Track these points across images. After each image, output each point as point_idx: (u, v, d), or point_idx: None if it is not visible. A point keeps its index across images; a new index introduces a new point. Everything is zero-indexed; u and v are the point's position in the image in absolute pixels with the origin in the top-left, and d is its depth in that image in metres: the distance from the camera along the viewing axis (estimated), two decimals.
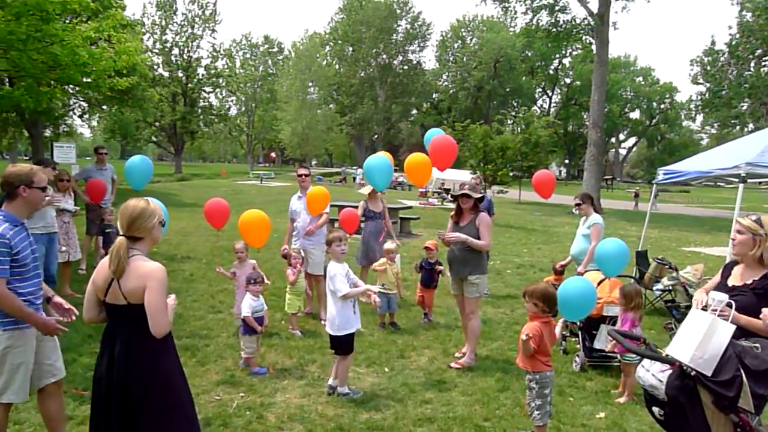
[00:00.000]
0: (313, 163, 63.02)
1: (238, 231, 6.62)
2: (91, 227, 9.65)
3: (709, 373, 2.90)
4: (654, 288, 8.32)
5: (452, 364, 5.93)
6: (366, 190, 8.64)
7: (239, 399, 4.90)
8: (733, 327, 3.00)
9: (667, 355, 3.13)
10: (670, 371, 3.09)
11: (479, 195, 6.10)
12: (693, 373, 2.95)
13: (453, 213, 6.24)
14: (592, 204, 7.28)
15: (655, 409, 3.21)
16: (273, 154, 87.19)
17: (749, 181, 7.30)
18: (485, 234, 5.91)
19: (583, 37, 35.73)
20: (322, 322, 6.83)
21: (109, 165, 9.89)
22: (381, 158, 7.28)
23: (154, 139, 63.43)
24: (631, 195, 40.28)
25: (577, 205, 7.28)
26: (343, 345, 5.06)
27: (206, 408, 4.70)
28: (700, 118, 58.89)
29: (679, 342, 3.09)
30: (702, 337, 2.93)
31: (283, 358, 5.93)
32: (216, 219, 6.69)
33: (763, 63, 36.17)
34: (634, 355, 5.14)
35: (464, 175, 32.04)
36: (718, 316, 3.06)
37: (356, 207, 8.45)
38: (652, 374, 3.18)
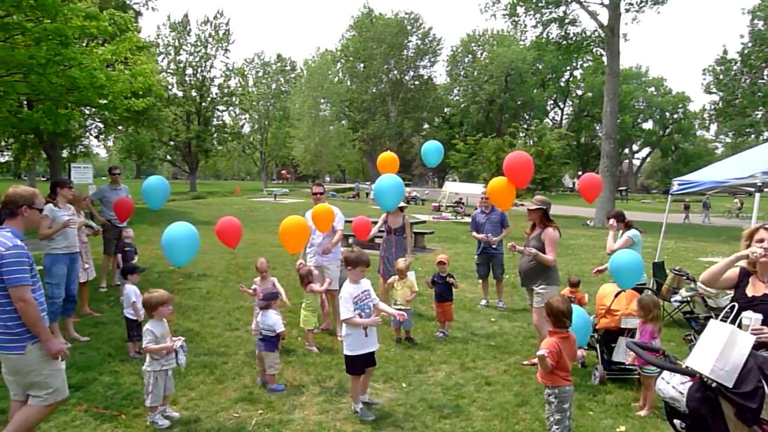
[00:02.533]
0: (327, 179, 63.30)
1: (279, 236, 6.59)
2: (108, 246, 9.76)
3: (730, 385, 2.88)
4: (672, 299, 8.25)
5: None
6: None
7: (258, 416, 4.92)
8: (754, 338, 2.98)
9: (687, 367, 3.11)
10: (691, 383, 3.07)
11: (538, 207, 6.28)
12: (714, 384, 2.92)
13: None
14: (623, 221, 7.78)
15: (677, 422, 3.19)
16: (284, 172, 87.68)
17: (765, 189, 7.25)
18: (549, 248, 6.12)
19: (594, 49, 35.79)
20: (339, 338, 6.84)
21: (123, 185, 10.01)
22: (390, 179, 7.21)
23: (168, 158, 64.03)
24: (648, 203, 39.82)
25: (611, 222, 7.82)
26: (349, 365, 5.04)
27: (225, 426, 4.73)
28: (714, 127, 58.58)
29: (699, 353, 3.07)
30: (722, 348, 2.91)
31: (300, 375, 5.94)
32: (228, 238, 6.68)
33: None
34: (653, 368, 5.10)
35: (477, 189, 32.02)
36: (754, 334, 3.05)
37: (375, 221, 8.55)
38: (673, 386, 3.16)
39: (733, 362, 2.90)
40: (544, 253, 6.16)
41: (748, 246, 3.49)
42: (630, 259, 5.80)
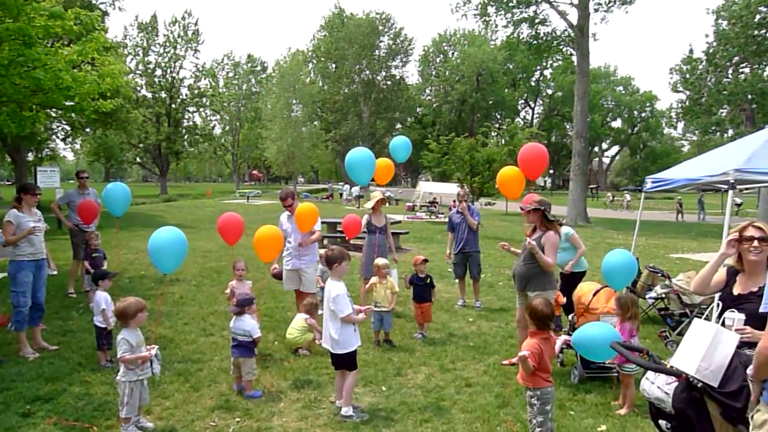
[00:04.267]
0: (300, 180, 62.86)
1: (253, 245, 6.51)
2: (77, 251, 9.52)
3: (715, 384, 2.86)
4: (647, 296, 8.32)
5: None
6: (370, 204, 8.65)
7: (235, 424, 4.79)
8: (738, 336, 2.98)
9: (671, 367, 3.09)
10: (676, 383, 3.05)
11: (536, 207, 5.99)
12: (700, 384, 2.91)
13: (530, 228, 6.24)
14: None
15: (662, 422, 3.17)
16: (256, 172, 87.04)
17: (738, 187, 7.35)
18: (549, 253, 5.88)
19: (564, 49, 36.18)
20: (318, 342, 6.75)
21: (91, 189, 9.77)
22: (362, 151, 7.13)
23: (138, 160, 63.07)
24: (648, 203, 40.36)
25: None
26: (347, 362, 4.99)
27: None
28: (681, 125, 59.54)
29: (683, 353, 3.05)
30: (707, 348, 2.90)
31: (278, 380, 5.82)
32: (230, 235, 6.51)
33: (740, 70, 36.72)
34: (632, 366, 5.12)
35: (451, 188, 32.13)
36: (737, 333, 3.04)
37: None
38: (658, 387, 3.14)
39: (718, 361, 2.89)
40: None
41: (736, 243, 3.45)
42: (622, 260, 5.77)
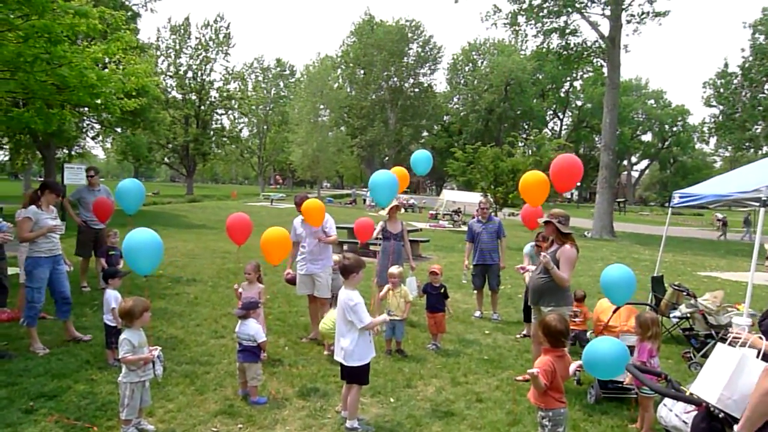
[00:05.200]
0: (326, 185, 62.92)
1: (260, 247, 6.47)
2: (84, 249, 9.61)
3: (738, 416, 2.66)
4: (671, 315, 8.02)
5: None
6: (385, 211, 8.53)
7: (237, 431, 4.68)
8: (765, 364, 2.76)
9: (691, 395, 2.89)
10: (696, 412, 2.85)
11: (549, 220, 5.87)
12: (721, 415, 2.71)
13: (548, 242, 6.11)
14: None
15: None
16: (278, 177, 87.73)
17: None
18: (564, 267, 5.68)
19: (594, 60, 35.71)
20: (327, 352, 6.63)
21: (102, 186, 9.77)
22: (386, 174, 7.23)
23: (166, 160, 63.86)
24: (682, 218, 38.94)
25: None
26: (360, 376, 4.81)
27: None
28: (713, 140, 58.50)
29: (704, 380, 2.85)
30: (731, 376, 2.69)
31: (284, 387, 5.70)
32: (237, 235, 6.46)
33: None
34: None
35: (475, 197, 31.84)
36: (739, 344, 2.83)
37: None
38: (675, 414, 2.95)
39: (742, 390, 2.68)
40: None
41: None
42: (621, 274, 5.50)
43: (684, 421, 2.89)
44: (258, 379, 5.35)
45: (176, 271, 11.67)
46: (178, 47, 58.52)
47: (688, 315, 7.69)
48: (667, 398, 3.05)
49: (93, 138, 37.36)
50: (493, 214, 9.91)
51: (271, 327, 7.51)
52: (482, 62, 77.73)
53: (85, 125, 31.96)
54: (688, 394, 2.93)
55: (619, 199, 60.73)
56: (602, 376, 4.58)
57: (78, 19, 9.03)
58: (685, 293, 8.09)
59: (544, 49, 35.64)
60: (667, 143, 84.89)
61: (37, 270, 6.47)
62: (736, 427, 2.41)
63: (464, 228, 27.24)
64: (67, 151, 35.00)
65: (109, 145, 58.81)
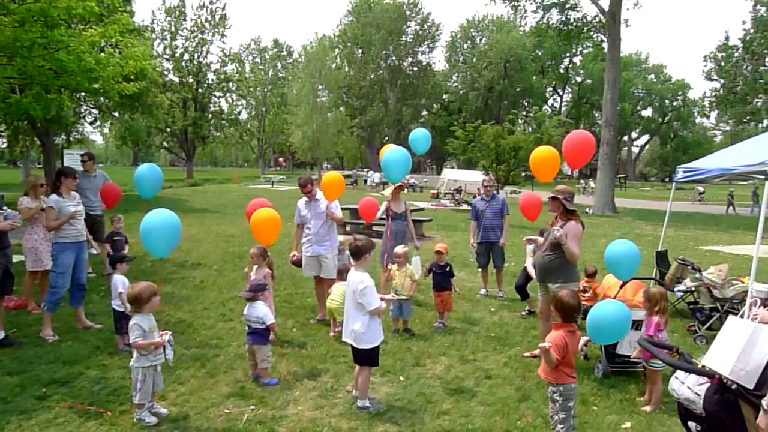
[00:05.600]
0: (326, 166, 62.57)
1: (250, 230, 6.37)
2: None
3: (751, 387, 2.68)
4: (675, 289, 8.05)
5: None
6: (389, 191, 8.52)
7: (250, 412, 4.73)
8: None
9: (704, 367, 2.91)
10: (708, 384, 2.87)
11: (555, 196, 5.92)
12: (734, 386, 2.73)
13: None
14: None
15: (692, 424, 3.00)
16: (281, 160, 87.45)
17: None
18: (572, 243, 5.70)
19: (595, 35, 35.40)
20: (333, 333, 6.67)
21: (99, 171, 9.68)
22: (399, 151, 7.19)
23: (165, 144, 63.61)
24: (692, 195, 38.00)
25: None
26: (371, 358, 4.84)
27: (215, 422, 4.54)
28: (713, 114, 58.20)
29: (717, 352, 2.87)
30: (743, 348, 2.71)
31: (295, 368, 5.75)
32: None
33: None
34: (659, 361, 4.92)
35: (476, 176, 31.80)
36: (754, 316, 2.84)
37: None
38: (688, 387, 2.96)
39: (755, 362, 2.70)
40: (561, 250, 5.74)
41: None
42: (626, 249, 5.49)
43: (697, 393, 2.90)
44: (268, 361, 5.39)
45: (181, 256, 11.69)
46: (173, 29, 57.78)
47: (693, 288, 7.72)
48: (679, 371, 3.06)
49: (91, 123, 37.19)
50: (496, 192, 9.90)
51: (279, 309, 7.54)
52: (481, 39, 77.02)
53: (83, 110, 31.78)
54: (700, 366, 2.95)
55: (619, 175, 60.57)
56: (606, 340, 4.58)
57: (74, 2, 8.93)
58: (690, 267, 8.11)
59: (544, 25, 35.32)
60: (667, 118, 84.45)
61: (62, 255, 6.60)
62: (763, 401, 2.43)
63: (465, 207, 27.30)
64: (65, 138, 34.88)
65: (107, 131, 58.63)
